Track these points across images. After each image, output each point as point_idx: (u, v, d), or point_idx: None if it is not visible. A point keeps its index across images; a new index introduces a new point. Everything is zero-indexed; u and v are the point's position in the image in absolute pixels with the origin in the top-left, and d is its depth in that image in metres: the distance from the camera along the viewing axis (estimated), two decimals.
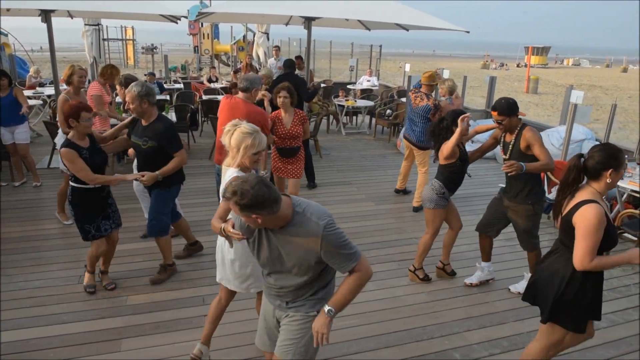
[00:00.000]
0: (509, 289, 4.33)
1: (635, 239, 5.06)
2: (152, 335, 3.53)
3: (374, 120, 10.58)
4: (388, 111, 10.18)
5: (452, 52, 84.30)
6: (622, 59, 65.85)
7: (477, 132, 4.47)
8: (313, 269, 2.20)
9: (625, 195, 5.67)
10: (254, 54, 14.61)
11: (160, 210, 4.10)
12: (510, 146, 3.90)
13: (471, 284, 4.40)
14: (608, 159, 2.49)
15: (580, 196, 2.55)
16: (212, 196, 6.25)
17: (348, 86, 13.50)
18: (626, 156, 2.63)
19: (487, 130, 4.42)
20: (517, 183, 3.91)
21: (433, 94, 6.22)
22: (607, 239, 2.49)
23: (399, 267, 4.69)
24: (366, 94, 12.30)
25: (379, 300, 4.10)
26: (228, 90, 9.95)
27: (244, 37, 19.19)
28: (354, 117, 11.88)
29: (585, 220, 2.44)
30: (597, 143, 7.31)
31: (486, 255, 4.41)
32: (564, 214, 2.62)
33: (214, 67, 13.55)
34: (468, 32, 7.51)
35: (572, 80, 35.18)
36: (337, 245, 2.13)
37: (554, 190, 5.68)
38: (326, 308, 2.21)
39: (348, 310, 3.82)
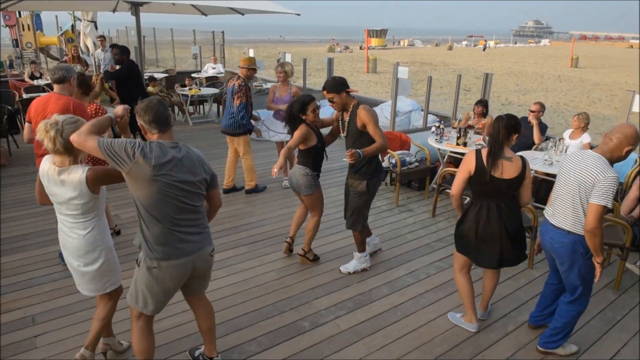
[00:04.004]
0: (340, 270, 4.33)
1: None
2: None
3: (221, 107, 10.41)
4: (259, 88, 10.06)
5: (301, 37, 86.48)
6: (447, 38, 73.95)
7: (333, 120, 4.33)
8: None
9: (446, 157, 6.40)
10: (81, 45, 13.26)
11: None
12: (347, 124, 3.96)
13: (348, 272, 4.31)
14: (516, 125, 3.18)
15: (509, 153, 3.15)
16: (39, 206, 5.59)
17: (193, 75, 13.04)
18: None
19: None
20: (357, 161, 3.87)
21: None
22: None
23: (249, 250, 4.71)
24: (212, 81, 12.03)
25: (229, 285, 4.08)
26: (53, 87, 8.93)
27: (73, 27, 17.32)
28: (201, 106, 11.54)
29: (530, 171, 3.17)
30: (422, 112, 8.13)
31: (364, 245, 4.33)
32: (513, 175, 3.09)
33: (34, 62, 12.01)
34: (299, 14, 7.71)
35: (407, 58, 38.56)
36: None
37: (387, 158, 6.19)
38: None
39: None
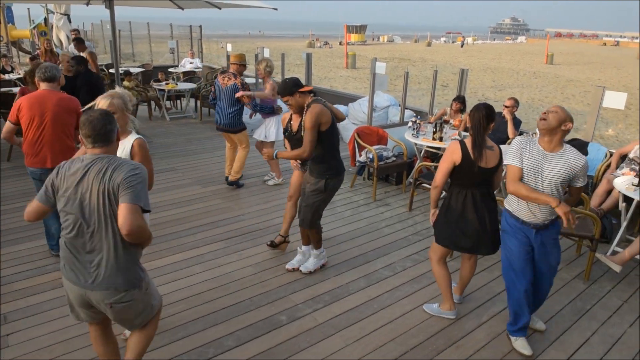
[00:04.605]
0: (300, 271, 4.25)
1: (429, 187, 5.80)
2: None
3: (199, 102, 10.30)
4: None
5: (280, 32, 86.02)
6: (426, 35, 74.49)
7: None
8: None
9: (423, 151, 6.46)
10: (54, 39, 12.98)
11: None
12: (302, 124, 3.85)
13: (293, 268, 4.29)
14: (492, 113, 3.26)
15: (489, 142, 3.25)
16: (21, 201, 5.49)
17: (170, 69, 12.87)
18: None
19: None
20: (314, 159, 3.87)
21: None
22: None
23: (227, 245, 4.69)
24: (189, 76, 11.89)
25: (206, 281, 4.06)
26: (24, 81, 8.71)
27: (45, 20, 16.90)
28: (178, 101, 11.41)
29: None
30: (399, 107, 8.18)
31: (306, 239, 4.28)
32: (495, 164, 3.22)
33: (5, 56, 11.68)
34: (276, 9, 7.66)
35: (386, 54, 38.73)
36: None
37: (364, 153, 6.23)
38: None
39: (172, 297, 3.76)
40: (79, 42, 9.41)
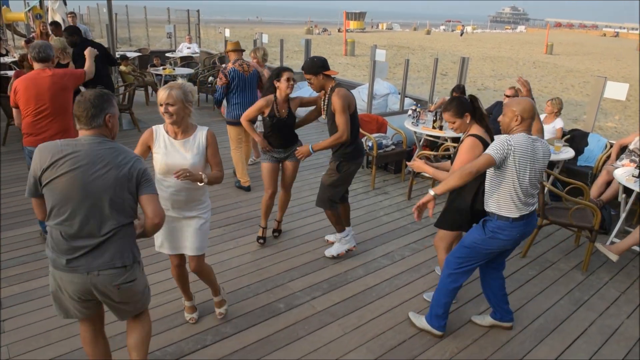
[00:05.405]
0: (325, 255, 4.29)
1: (429, 176, 5.77)
2: None
3: (196, 88, 10.20)
4: (210, 78, 9.89)
5: (278, 19, 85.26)
6: (426, 23, 73.99)
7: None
8: None
9: (422, 140, 6.42)
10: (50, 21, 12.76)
11: None
12: (325, 107, 3.90)
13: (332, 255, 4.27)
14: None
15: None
16: (15, 186, 5.43)
17: (167, 54, 12.73)
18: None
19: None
20: None
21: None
22: None
23: (224, 232, 4.66)
24: (187, 61, 11.77)
25: None
26: (19, 65, 8.56)
27: (40, 2, 16.65)
28: None
29: None
30: (399, 95, 8.12)
31: (340, 225, 4.22)
32: None
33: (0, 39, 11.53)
34: None
35: (385, 42, 38.46)
36: None
37: (364, 141, 6.17)
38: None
39: (169, 284, 3.74)
40: (56, 26, 8.89)
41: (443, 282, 3.18)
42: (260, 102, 4.05)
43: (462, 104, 3.18)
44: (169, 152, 2.82)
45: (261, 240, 4.46)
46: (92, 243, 2.21)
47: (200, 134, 2.88)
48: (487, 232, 2.96)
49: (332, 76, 3.86)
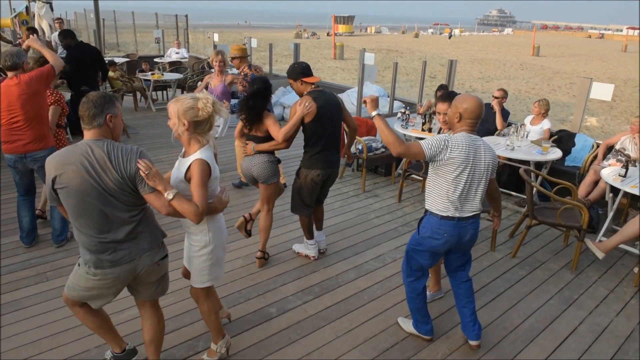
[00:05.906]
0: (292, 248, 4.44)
1: (421, 178, 5.81)
2: None
3: (185, 93, 10.17)
4: (199, 83, 9.85)
5: (267, 23, 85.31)
6: (414, 26, 74.49)
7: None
8: None
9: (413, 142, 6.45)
10: (37, 27, 12.66)
11: None
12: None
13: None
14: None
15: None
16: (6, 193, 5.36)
17: (156, 59, 12.68)
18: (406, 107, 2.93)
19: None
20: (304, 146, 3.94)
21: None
22: None
23: None
24: (175, 66, 11.72)
25: None
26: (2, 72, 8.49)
27: (27, 8, 16.50)
28: (164, 92, 11.25)
29: None
30: (388, 98, 8.16)
31: (309, 234, 4.30)
32: None
33: None
34: None
35: (374, 45, 38.61)
36: None
37: (353, 144, 6.18)
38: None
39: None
40: (33, 32, 8.81)
41: (406, 290, 3.23)
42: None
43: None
44: (175, 166, 2.67)
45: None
46: (121, 236, 2.38)
47: (191, 159, 2.52)
48: (420, 230, 3.01)
49: (314, 82, 3.82)
